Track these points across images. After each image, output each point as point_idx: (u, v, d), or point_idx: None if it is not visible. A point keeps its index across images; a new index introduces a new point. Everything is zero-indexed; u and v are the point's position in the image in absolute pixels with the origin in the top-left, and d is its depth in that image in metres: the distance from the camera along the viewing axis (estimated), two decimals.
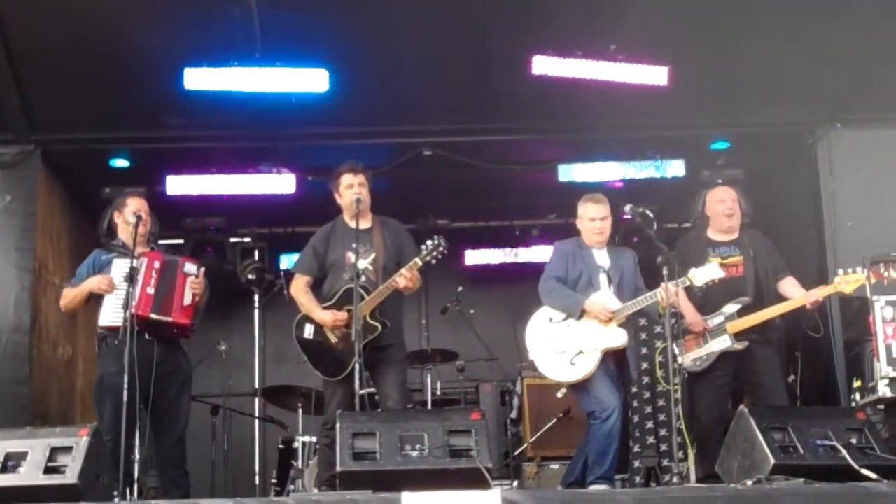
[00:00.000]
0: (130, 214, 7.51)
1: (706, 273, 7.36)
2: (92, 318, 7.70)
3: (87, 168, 9.77)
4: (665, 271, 7.18)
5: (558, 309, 7.52)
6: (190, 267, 7.64)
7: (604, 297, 7.46)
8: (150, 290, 7.36)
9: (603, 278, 7.54)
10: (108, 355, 7.38)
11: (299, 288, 7.54)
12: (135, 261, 7.23)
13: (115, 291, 7.32)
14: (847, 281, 7.53)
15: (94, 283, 7.44)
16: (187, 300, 7.53)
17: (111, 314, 7.31)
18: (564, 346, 7.42)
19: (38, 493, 5.67)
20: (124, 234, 7.62)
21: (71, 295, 7.60)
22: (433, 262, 7.23)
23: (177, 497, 7.20)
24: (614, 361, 7.51)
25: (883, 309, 7.45)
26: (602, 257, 7.63)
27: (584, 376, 7.34)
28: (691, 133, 9.65)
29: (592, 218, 7.62)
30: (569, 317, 7.48)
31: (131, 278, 7.11)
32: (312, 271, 7.58)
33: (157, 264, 7.46)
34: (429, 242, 7.21)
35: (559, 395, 7.72)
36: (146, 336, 7.28)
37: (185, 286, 7.53)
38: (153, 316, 7.32)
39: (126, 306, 7.04)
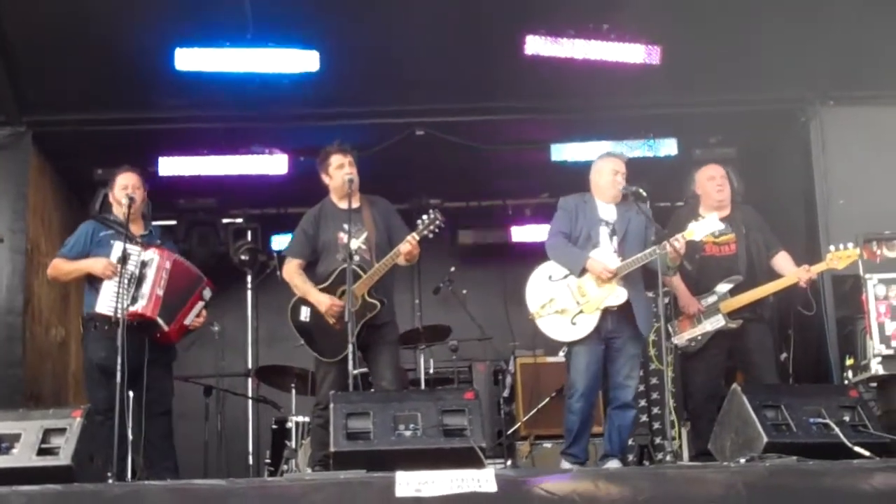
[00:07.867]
0: (122, 194, 7.44)
1: (705, 226, 7.21)
2: (83, 299, 7.63)
3: (79, 149, 9.73)
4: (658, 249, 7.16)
5: (562, 265, 7.39)
6: (208, 293, 7.60)
7: (603, 254, 7.32)
8: (160, 292, 7.25)
9: (604, 232, 7.39)
10: (97, 339, 7.31)
11: (293, 271, 7.48)
12: (143, 253, 7.20)
13: (116, 278, 7.12)
14: (839, 257, 7.52)
15: (98, 266, 7.28)
16: (188, 321, 7.48)
17: (108, 302, 7.15)
18: (565, 304, 7.31)
19: (31, 474, 5.65)
20: (118, 212, 7.55)
21: (66, 268, 7.47)
22: (430, 235, 7.15)
23: (165, 469, 7.21)
24: (619, 320, 7.32)
25: (875, 287, 7.46)
26: (607, 211, 7.47)
27: (586, 334, 7.24)
28: (684, 112, 9.62)
29: (616, 171, 7.50)
30: (569, 274, 7.37)
31: (124, 260, 7.06)
32: (304, 254, 7.52)
33: (167, 265, 7.34)
34: (425, 217, 7.12)
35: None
36: (134, 323, 7.11)
37: (194, 307, 7.49)
38: (158, 320, 7.23)
39: (119, 294, 6.94)
